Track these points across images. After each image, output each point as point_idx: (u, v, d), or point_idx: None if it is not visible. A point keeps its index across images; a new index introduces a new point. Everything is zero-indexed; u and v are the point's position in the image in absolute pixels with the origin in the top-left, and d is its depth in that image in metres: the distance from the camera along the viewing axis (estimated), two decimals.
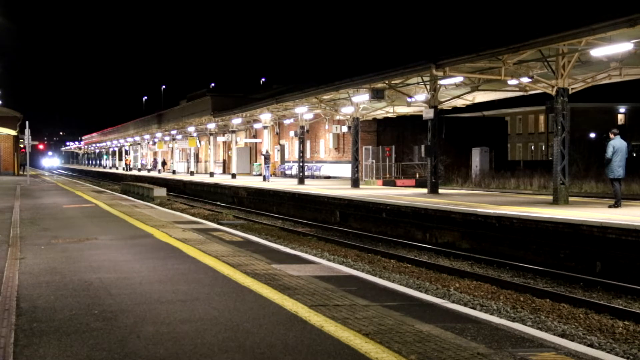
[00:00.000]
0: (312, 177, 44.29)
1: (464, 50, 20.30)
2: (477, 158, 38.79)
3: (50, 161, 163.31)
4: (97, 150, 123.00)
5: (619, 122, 66.66)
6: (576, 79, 21.40)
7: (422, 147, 32.35)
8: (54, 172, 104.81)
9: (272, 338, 5.80)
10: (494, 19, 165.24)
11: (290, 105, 35.75)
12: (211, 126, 51.45)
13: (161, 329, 6.08)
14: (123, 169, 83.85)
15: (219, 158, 64.42)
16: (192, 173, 57.49)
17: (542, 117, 68.49)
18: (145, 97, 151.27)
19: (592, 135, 57.57)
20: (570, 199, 19.67)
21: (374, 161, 38.23)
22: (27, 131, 38.57)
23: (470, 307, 9.29)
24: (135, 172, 70.45)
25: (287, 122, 45.92)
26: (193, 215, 22.98)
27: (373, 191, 27.62)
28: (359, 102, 29.78)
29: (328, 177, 44.57)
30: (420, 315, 6.66)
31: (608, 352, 7.80)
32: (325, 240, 18.97)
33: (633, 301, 11.07)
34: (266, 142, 49.92)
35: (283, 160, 54.12)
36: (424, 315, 6.70)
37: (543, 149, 68.64)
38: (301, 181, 35.26)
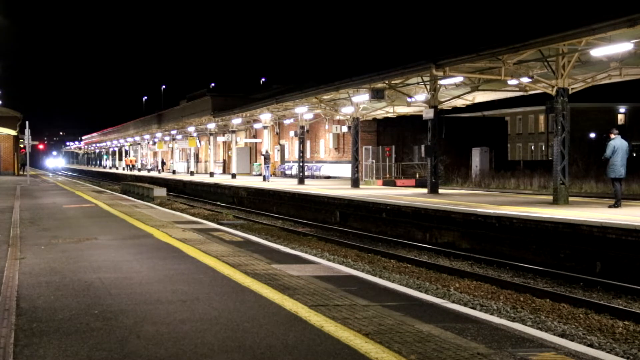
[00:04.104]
0: (312, 177, 44.28)
1: (464, 50, 20.29)
2: (477, 158, 38.78)
3: (55, 161, 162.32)
4: (97, 151, 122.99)
5: (619, 122, 66.62)
6: (576, 79, 21.40)
7: (422, 147, 32.37)
8: (59, 172, 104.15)
9: (272, 338, 5.80)
10: (494, 19, 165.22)
11: (290, 105, 35.75)
12: (211, 126, 51.45)
13: (161, 329, 6.08)
14: (123, 169, 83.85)
15: (219, 158, 64.42)
16: (192, 173, 57.49)
17: (542, 117, 68.44)
18: (145, 97, 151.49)
19: (592, 135, 57.56)
20: (570, 199, 19.66)
21: (374, 161, 38.22)
22: (27, 131, 38.58)
23: (470, 307, 9.29)
24: (135, 172, 70.46)
25: (287, 122, 45.91)
26: (193, 215, 22.97)
27: (373, 191, 27.62)
28: (359, 102, 29.77)
29: (328, 177, 44.57)
30: (420, 315, 6.66)
31: (608, 352, 7.80)
32: (325, 240, 18.97)
33: (633, 301, 11.07)
34: (266, 142, 49.93)
35: (283, 160, 54.11)
36: (424, 315, 6.70)
37: (543, 149, 68.62)
38: (301, 181, 35.26)
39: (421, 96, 25.85)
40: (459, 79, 22.72)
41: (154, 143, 73.19)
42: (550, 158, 41.28)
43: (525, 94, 25.90)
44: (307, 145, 47.38)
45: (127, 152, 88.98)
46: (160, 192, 32.73)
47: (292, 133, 50.04)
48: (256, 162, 55.56)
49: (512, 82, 21.63)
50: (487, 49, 18.87)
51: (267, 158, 40.66)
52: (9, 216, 17.99)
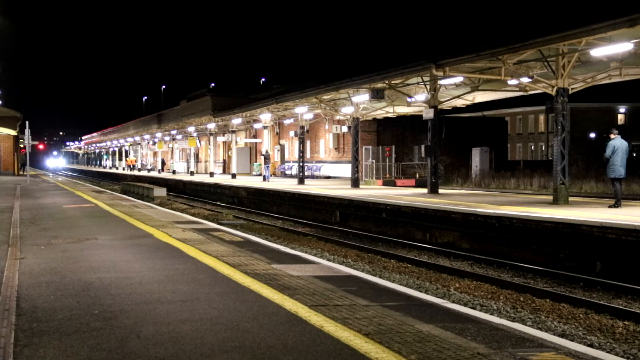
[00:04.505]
0: (312, 177, 44.28)
1: (464, 50, 20.29)
2: (477, 158, 38.79)
3: (56, 161, 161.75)
4: (97, 151, 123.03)
5: (619, 122, 66.60)
6: (576, 79, 21.40)
7: (422, 147, 32.38)
8: (59, 172, 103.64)
9: (272, 338, 5.80)
10: (494, 19, 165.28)
11: (290, 105, 35.75)
12: (211, 126, 51.45)
13: (161, 329, 6.08)
14: (123, 168, 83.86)
15: (219, 158, 64.43)
16: (192, 173, 57.49)
17: (542, 117, 68.45)
18: (145, 97, 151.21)
19: (592, 135, 57.56)
20: (570, 199, 19.66)
21: (374, 161, 38.22)
22: (27, 131, 38.59)
23: (470, 307, 9.29)
24: (135, 172, 70.48)
25: (287, 122, 45.92)
26: (193, 215, 22.97)
27: (373, 191, 27.61)
28: (359, 102, 29.77)
29: (328, 177, 44.57)
30: (420, 315, 6.66)
31: (608, 352, 7.80)
32: (325, 240, 18.96)
33: (633, 301, 11.07)
34: (266, 142, 49.92)
35: (283, 160, 54.12)
36: (424, 315, 6.70)
37: (543, 149, 68.61)
38: (301, 181, 35.26)
39: (421, 96, 25.85)
40: (459, 79, 22.72)
41: (154, 143, 73.21)
42: (550, 158, 41.28)
43: (525, 94, 25.90)
44: (307, 145, 47.38)
45: (127, 152, 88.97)
46: (160, 192, 32.72)
47: (292, 133, 50.04)
48: (256, 162, 55.56)
49: (512, 82, 21.63)
50: (487, 49, 18.86)
51: (267, 158, 40.66)
52: (9, 216, 17.99)
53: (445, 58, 20.86)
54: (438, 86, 24.58)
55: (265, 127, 47.77)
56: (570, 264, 13.90)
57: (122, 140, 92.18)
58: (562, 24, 16.59)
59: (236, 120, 45.90)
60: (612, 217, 14.26)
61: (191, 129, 57.43)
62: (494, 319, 6.76)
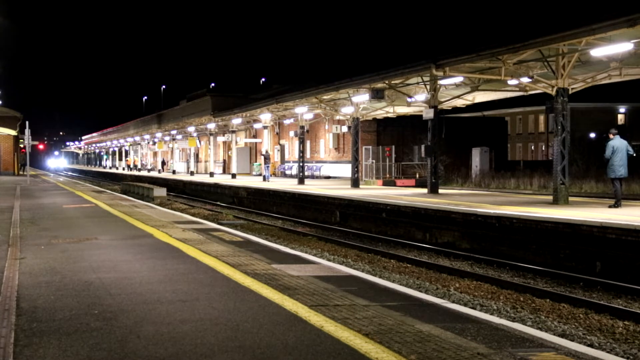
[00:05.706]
0: (312, 177, 44.29)
1: (464, 50, 20.30)
2: (477, 158, 38.80)
3: (57, 161, 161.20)
4: (97, 151, 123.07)
5: (619, 122, 66.60)
6: (576, 79, 21.40)
7: (422, 147, 32.36)
8: (60, 173, 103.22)
9: (272, 338, 5.80)
10: (494, 19, 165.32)
11: (290, 105, 35.75)
12: (211, 126, 51.46)
13: (161, 329, 6.08)
14: (123, 169, 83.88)
15: (219, 158, 64.43)
16: (192, 173, 57.50)
17: (542, 117, 68.47)
18: (145, 97, 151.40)
19: (592, 135, 57.55)
20: (570, 199, 19.67)
21: (374, 161, 38.23)
22: (27, 131, 38.60)
23: (470, 307, 9.29)
24: (135, 172, 70.50)
25: (287, 122, 45.93)
26: (193, 215, 22.98)
27: (373, 191, 27.62)
28: (359, 102, 29.78)
29: (328, 177, 44.58)
30: (420, 315, 6.66)
31: (608, 352, 7.80)
32: (325, 240, 18.97)
33: (633, 301, 11.07)
34: (266, 142, 49.94)
35: (283, 160, 54.12)
36: (424, 315, 6.70)
37: (543, 149, 68.62)
38: (301, 181, 35.26)
39: (421, 96, 25.85)
40: (459, 79, 22.72)
41: (154, 143, 73.23)
42: (550, 158, 41.28)
43: (525, 94, 25.91)
44: (307, 145, 47.39)
45: (127, 153, 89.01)
46: (160, 192, 32.72)
47: (292, 133, 50.04)
48: (256, 162, 55.57)
49: (512, 82, 21.63)
50: (487, 49, 18.86)
51: (267, 158, 40.67)
52: (9, 216, 17.99)
53: (445, 58, 20.86)
54: (438, 86, 24.59)
55: (265, 127, 47.79)
56: (570, 264, 13.90)
57: (122, 141, 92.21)
58: (562, 24, 16.60)
59: (236, 120, 45.91)
60: (612, 217, 14.26)
61: (191, 129, 57.44)
62: (494, 319, 6.76)
